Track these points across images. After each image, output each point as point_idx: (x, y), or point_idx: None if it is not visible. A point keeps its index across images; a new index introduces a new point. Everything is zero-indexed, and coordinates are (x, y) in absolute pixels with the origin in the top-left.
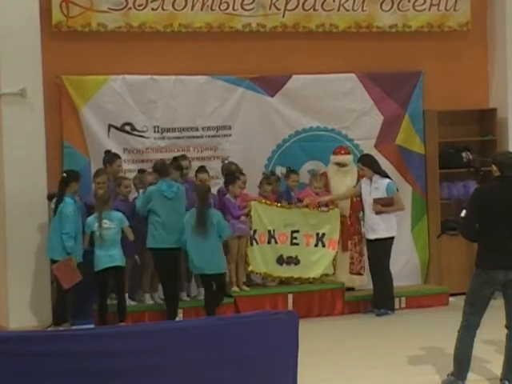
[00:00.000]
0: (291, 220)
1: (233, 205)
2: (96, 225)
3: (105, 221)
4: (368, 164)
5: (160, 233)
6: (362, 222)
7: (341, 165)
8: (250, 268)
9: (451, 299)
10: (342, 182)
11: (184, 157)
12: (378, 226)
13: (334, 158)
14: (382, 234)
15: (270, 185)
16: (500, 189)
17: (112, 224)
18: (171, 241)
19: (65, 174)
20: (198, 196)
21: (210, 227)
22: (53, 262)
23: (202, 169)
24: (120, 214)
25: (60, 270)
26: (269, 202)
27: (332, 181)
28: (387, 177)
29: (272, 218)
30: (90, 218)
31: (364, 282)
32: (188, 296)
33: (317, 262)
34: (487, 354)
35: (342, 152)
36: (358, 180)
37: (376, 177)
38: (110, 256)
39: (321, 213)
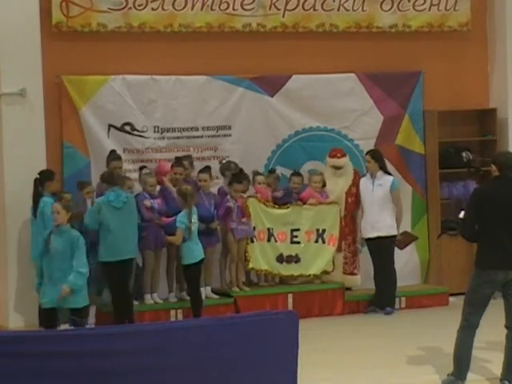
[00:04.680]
0: (290, 219)
1: (224, 205)
2: (190, 220)
3: (194, 216)
4: (376, 158)
5: (112, 245)
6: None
7: (336, 168)
8: (250, 265)
9: (451, 299)
10: (336, 183)
11: (186, 157)
12: (378, 224)
13: (330, 161)
14: (384, 231)
15: (261, 175)
16: (499, 189)
17: (196, 218)
18: (124, 252)
19: (38, 176)
20: (181, 196)
21: None
22: None
23: (205, 169)
24: (196, 209)
25: None
26: (267, 204)
27: (327, 182)
28: (389, 174)
29: (270, 217)
30: (183, 214)
31: (358, 283)
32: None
33: (317, 259)
34: (487, 354)
35: (338, 155)
36: (354, 181)
37: (380, 173)
38: (200, 249)
39: (320, 207)
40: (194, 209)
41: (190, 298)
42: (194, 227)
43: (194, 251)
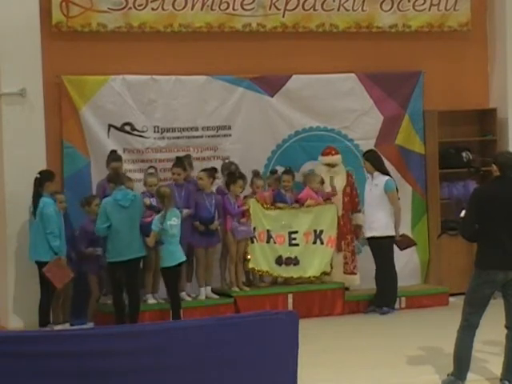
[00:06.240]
0: (287, 221)
1: (231, 204)
2: (168, 223)
3: (174, 218)
4: (369, 159)
5: (119, 245)
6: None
7: (331, 165)
8: (250, 265)
9: (451, 299)
10: (332, 183)
11: (185, 157)
12: (374, 224)
13: (324, 159)
14: (379, 232)
15: (260, 178)
16: (500, 189)
17: (177, 220)
18: (131, 251)
19: (38, 175)
20: (158, 197)
21: None
22: (39, 264)
23: (206, 169)
24: (178, 211)
25: (52, 271)
26: (266, 206)
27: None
28: (388, 175)
29: (269, 219)
30: (158, 217)
31: (358, 282)
32: (188, 296)
33: (316, 261)
34: (487, 354)
35: (333, 153)
36: (348, 180)
37: (376, 173)
38: (180, 251)
39: (317, 207)
40: (175, 211)
41: (170, 301)
42: (176, 229)
43: (173, 254)
